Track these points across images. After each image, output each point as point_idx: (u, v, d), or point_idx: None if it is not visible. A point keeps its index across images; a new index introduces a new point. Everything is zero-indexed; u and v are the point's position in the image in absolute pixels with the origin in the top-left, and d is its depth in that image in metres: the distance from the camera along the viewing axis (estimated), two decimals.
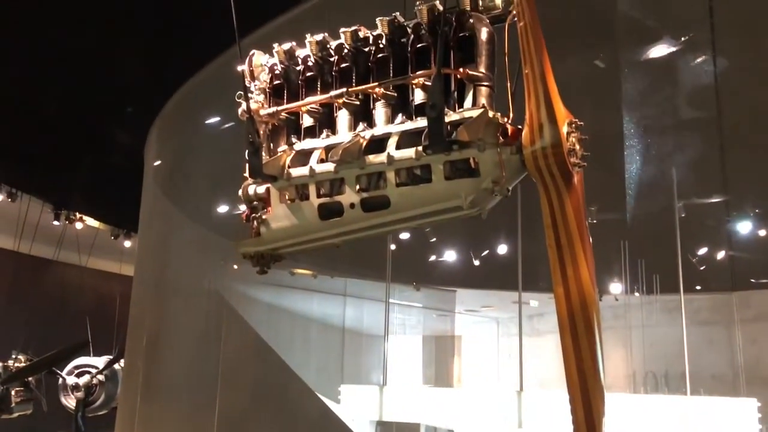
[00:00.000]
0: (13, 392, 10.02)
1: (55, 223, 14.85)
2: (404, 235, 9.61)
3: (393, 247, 9.48)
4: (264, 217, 2.49)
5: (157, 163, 11.41)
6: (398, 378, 12.68)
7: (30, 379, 10.61)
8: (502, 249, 10.71)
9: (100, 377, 11.02)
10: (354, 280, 12.86)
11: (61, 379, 11.00)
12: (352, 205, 2.31)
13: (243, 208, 2.58)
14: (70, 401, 10.97)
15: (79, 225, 15.54)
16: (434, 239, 11.75)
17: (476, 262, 11.73)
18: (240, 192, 2.58)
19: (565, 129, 2.03)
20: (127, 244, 17.12)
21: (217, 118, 9.20)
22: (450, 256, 12.26)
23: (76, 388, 10.91)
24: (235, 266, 9.14)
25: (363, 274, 11.61)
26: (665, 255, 7.69)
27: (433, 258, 12.37)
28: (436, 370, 16.47)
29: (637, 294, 10.65)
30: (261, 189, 2.53)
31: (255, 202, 2.54)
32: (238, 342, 9.56)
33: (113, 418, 11.93)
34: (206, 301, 9.88)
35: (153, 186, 11.17)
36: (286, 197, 2.45)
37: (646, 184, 7.67)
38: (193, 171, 10.16)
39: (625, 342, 11.73)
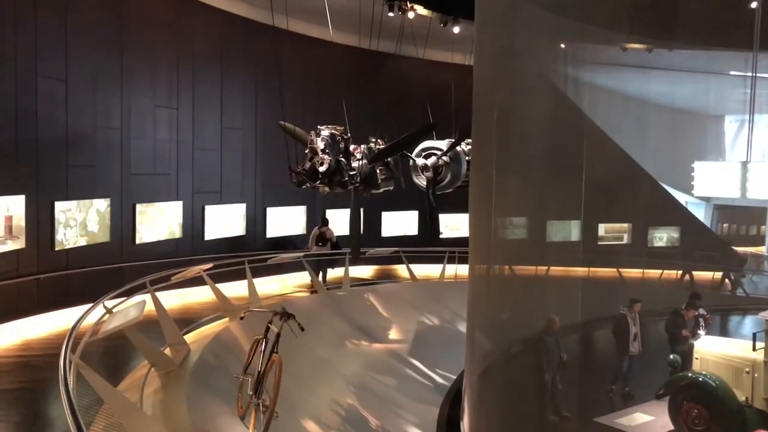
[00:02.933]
0: (378, 170, 11.60)
1: (390, 14, 16.08)
2: None
3: None
4: None
5: None
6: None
7: (389, 159, 12.10)
8: None
9: (445, 158, 12.10)
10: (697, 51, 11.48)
11: (411, 161, 12.39)
12: None
13: None
14: (421, 180, 12.36)
15: (411, 14, 16.53)
16: None
17: None
18: None
19: None
20: (456, 30, 17.71)
21: None
22: None
23: (425, 168, 12.19)
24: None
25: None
26: None
27: None
28: None
29: None
30: None
31: None
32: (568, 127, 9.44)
33: (459, 195, 13.12)
34: (539, 86, 9.77)
35: None
36: None
37: None
38: None
39: None
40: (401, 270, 19.50)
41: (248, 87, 16.65)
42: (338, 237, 16.28)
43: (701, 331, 9.52)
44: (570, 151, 8.63)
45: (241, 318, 5.81)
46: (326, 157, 9.43)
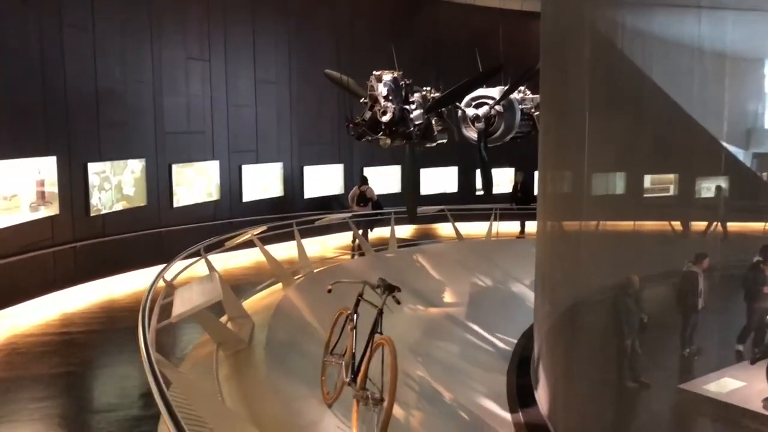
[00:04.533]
0: (433, 121, 10.62)
1: None
2: None
3: None
4: None
5: None
6: None
7: (443, 109, 11.09)
8: None
9: (498, 108, 11.09)
10: None
11: (461, 112, 11.38)
12: None
13: None
14: (471, 133, 11.37)
15: None
16: None
17: None
18: None
19: None
20: None
21: None
22: None
23: (476, 119, 11.18)
24: None
25: None
26: None
27: None
28: None
29: None
30: None
31: None
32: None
33: (513, 148, 12.12)
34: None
35: None
36: None
37: None
38: None
39: None
40: (442, 229, 18.69)
41: (281, 38, 15.57)
42: (378, 196, 15.41)
43: None
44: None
45: (329, 291, 4.95)
46: (390, 105, 8.48)
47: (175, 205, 12.92)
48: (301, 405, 4.93)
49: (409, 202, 10.74)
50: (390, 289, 4.52)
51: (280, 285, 9.62)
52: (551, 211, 8.80)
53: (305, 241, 11.33)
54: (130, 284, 11.40)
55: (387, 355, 4.14)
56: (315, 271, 10.58)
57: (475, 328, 11.85)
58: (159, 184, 12.54)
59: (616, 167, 9.05)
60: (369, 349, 4.36)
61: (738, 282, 8.85)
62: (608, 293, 8.61)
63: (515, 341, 10.80)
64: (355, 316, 4.89)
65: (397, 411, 6.79)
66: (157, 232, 12.24)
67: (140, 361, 7.54)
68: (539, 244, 9.71)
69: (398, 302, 4.61)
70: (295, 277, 9.91)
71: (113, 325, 9.19)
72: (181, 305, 5.14)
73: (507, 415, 7.44)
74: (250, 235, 9.45)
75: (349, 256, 14.26)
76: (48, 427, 5.55)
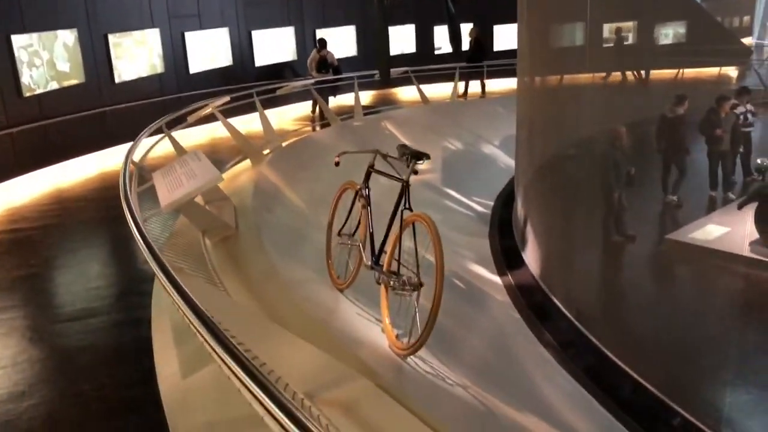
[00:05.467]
0: None
1: None
2: None
3: None
4: None
5: None
6: None
7: None
8: None
9: None
10: None
11: None
12: None
13: None
14: None
15: None
16: None
17: None
18: None
19: None
20: None
21: None
22: None
23: None
24: None
25: None
26: None
27: None
28: None
29: None
30: None
31: None
32: None
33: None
34: None
35: None
36: None
37: None
38: None
39: None
40: (402, 92, 17.86)
41: None
42: (339, 60, 14.34)
43: (749, 129, 8.44)
44: None
45: (337, 164, 4.27)
46: None
47: (117, 80, 11.64)
48: (310, 292, 4.42)
49: (382, 63, 9.89)
50: (417, 157, 3.87)
51: (248, 162, 8.89)
52: (539, 64, 8.20)
53: (256, 114, 10.44)
54: (78, 172, 10.42)
55: (427, 233, 3.57)
56: (284, 144, 9.82)
57: (452, 193, 11.52)
58: (96, 57, 11.17)
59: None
60: (398, 230, 3.78)
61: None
62: (595, 146, 8.24)
63: (492, 203, 10.56)
64: (366, 190, 4.28)
65: None
66: (100, 112, 11.09)
67: (113, 258, 6.89)
68: (522, 100, 9.18)
69: (416, 172, 4.00)
70: (264, 152, 9.17)
71: (69, 218, 8.36)
72: (169, 191, 4.42)
73: (497, 278, 7.22)
74: (211, 108, 8.54)
75: (310, 128, 13.44)
76: (18, 342, 4.78)
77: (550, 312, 6.22)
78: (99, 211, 8.58)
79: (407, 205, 3.80)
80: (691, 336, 5.41)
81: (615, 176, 8.06)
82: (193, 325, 2.40)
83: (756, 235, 7.38)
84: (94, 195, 9.39)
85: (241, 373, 1.98)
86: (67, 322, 5.19)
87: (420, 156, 3.85)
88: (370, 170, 4.32)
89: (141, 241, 3.43)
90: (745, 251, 7.37)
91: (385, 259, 3.88)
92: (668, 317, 5.82)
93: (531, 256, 7.46)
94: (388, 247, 3.88)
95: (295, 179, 7.81)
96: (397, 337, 3.65)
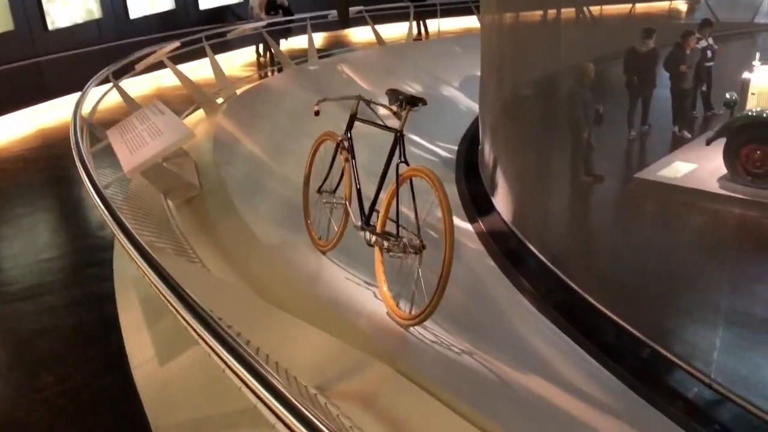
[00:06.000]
0: None
1: None
2: None
3: None
4: None
5: None
6: None
7: None
8: None
9: None
10: None
11: None
12: None
13: None
14: None
15: None
16: None
17: None
18: None
19: None
20: None
21: None
22: None
23: None
24: None
25: None
26: None
27: None
28: None
29: None
30: None
31: None
32: None
33: None
34: None
35: None
36: None
37: None
38: None
39: None
40: (352, 34, 17.24)
41: None
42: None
43: (710, 64, 8.41)
44: None
45: (316, 113, 3.87)
46: None
47: (50, 27, 10.77)
48: (290, 255, 4.13)
49: (341, 3, 9.38)
50: (413, 102, 3.52)
51: (201, 113, 8.39)
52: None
53: (203, 61, 9.83)
54: (13, 129, 9.68)
55: (431, 189, 3.24)
56: (238, 92, 9.31)
57: (416, 138, 11.24)
58: (25, 1, 10.27)
59: None
60: (390, 183, 3.47)
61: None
62: (564, 84, 8.04)
63: (456, 148, 10.37)
64: (349, 142, 3.93)
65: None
66: (34, 62, 10.26)
67: (64, 225, 6.34)
68: (487, 38, 8.88)
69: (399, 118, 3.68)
70: (218, 101, 8.68)
71: (8, 181, 7.70)
72: (131, 152, 3.99)
73: (467, 226, 7.05)
74: (162, 55, 7.95)
75: (261, 74, 12.84)
76: None
77: (525, 258, 6.12)
78: (41, 171, 7.97)
79: (403, 158, 3.48)
80: (662, 273, 5.38)
81: (584, 115, 7.92)
82: (171, 304, 2.09)
83: (724, 171, 7.39)
84: (34, 154, 8.73)
85: (233, 361, 1.71)
86: (18, 302, 4.63)
87: (416, 101, 3.51)
88: (354, 119, 3.96)
89: (103, 209, 3.06)
90: (714, 187, 7.38)
91: (378, 219, 3.58)
92: (641, 257, 5.79)
93: (501, 201, 7.32)
94: (381, 206, 3.55)
95: (256, 129, 7.40)
96: (397, 305, 3.35)
